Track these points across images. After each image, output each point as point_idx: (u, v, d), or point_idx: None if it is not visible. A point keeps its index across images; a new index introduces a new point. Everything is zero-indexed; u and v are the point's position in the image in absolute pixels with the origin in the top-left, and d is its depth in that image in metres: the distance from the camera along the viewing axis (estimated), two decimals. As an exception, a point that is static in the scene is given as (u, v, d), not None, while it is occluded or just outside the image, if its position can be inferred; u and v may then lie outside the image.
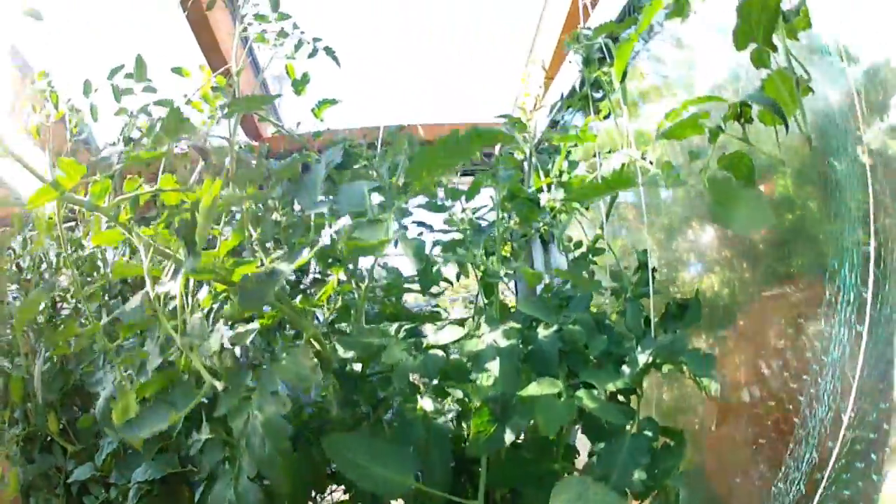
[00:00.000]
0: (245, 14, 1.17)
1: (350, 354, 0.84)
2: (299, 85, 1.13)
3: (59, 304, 1.31)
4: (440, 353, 0.87)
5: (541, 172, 1.10)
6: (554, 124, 1.29)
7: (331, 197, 0.85)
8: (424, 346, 0.89)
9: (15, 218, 1.31)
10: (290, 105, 1.24)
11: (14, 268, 1.33)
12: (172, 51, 1.44)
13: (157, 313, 0.75)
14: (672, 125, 0.68)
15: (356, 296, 0.94)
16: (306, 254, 0.75)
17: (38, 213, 1.30)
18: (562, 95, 1.30)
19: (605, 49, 1.08)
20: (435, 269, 0.83)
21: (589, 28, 1.18)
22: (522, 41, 1.64)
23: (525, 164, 1.20)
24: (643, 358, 0.85)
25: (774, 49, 0.69)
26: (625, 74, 0.97)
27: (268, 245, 0.92)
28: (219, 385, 0.69)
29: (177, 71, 1.13)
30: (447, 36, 1.65)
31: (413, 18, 1.65)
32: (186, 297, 0.79)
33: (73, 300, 1.30)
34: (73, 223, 1.33)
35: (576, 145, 1.10)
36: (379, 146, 1.15)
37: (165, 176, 0.93)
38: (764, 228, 0.89)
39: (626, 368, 0.86)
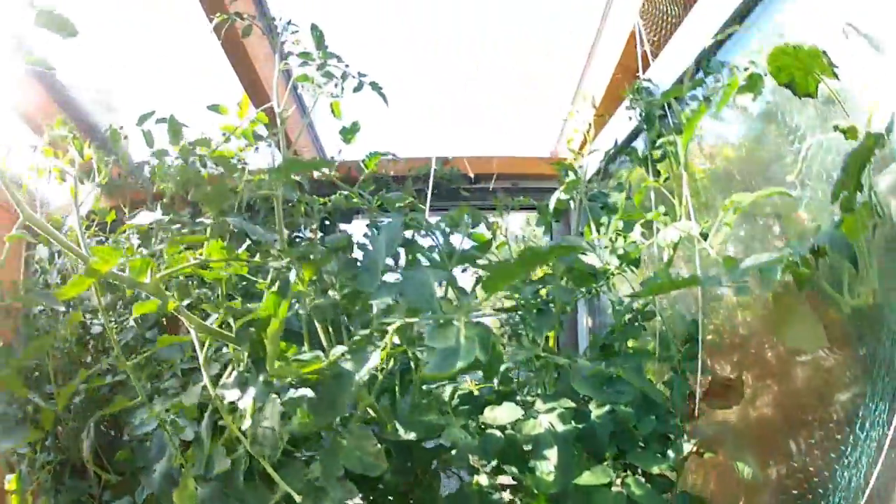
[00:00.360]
0: (284, 41, 1.15)
1: (412, 436, 0.91)
2: (348, 134, 1.13)
3: (88, 321, 1.35)
4: (497, 432, 0.94)
5: (592, 225, 1.14)
6: (606, 173, 1.31)
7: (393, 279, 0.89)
8: (481, 421, 0.96)
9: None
10: (326, 119, 1.23)
11: (42, 282, 1.35)
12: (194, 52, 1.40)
13: (222, 414, 0.80)
14: (754, 263, 0.72)
15: (412, 364, 0.99)
16: (375, 358, 0.80)
17: (69, 231, 1.31)
18: (616, 143, 1.31)
19: (666, 106, 1.10)
20: (504, 368, 0.88)
21: (649, 80, 1.19)
22: (570, 73, 1.62)
23: (572, 208, 1.23)
24: (688, 447, 0.94)
25: (861, 190, 0.73)
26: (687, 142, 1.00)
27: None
28: (297, 498, 0.75)
29: (214, 108, 1.12)
30: (490, 63, 1.63)
31: (456, 47, 1.62)
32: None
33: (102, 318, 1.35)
34: (101, 237, 1.34)
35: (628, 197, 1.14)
36: (430, 183, 1.18)
37: (213, 244, 0.95)
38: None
39: (671, 453, 0.95)
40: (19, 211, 0.84)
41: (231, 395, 0.80)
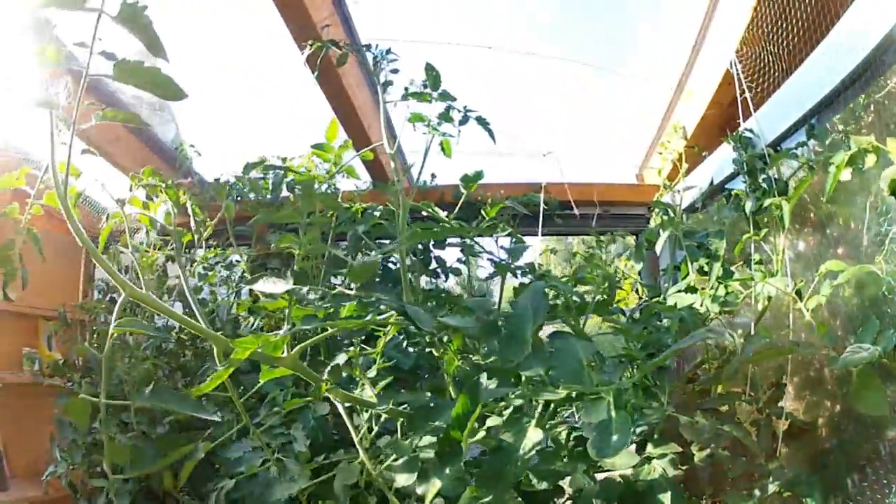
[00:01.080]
0: (383, 68, 1.22)
1: (544, 485, 1.11)
2: (471, 182, 1.24)
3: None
4: (617, 476, 1.15)
5: (690, 265, 1.33)
6: (702, 208, 1.48)
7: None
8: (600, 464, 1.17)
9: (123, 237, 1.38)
10: (411, 138, 1.32)
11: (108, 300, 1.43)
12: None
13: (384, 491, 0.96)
14: (851, 358, 0.95)
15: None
16: (537, 435, 0.97)
17: (143, 259, 1.38)
18: (712, 181, 1.48)
19: (766, 156, 1.28)
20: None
21: (751, 130, 1.35)
22: (658, 99, 1.73)
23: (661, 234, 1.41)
24: (772, 488, 1.18)
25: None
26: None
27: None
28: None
29: (317, 147, 1.20)
30: (577, 83, 1.71)
31: (541, 68, 1.70)
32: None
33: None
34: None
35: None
36: (541, 213, 1.33)
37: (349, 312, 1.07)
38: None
39: (756, 492, 1.20)
40: (120, 288, 0.93)
41: (403, 479, 0.96)
